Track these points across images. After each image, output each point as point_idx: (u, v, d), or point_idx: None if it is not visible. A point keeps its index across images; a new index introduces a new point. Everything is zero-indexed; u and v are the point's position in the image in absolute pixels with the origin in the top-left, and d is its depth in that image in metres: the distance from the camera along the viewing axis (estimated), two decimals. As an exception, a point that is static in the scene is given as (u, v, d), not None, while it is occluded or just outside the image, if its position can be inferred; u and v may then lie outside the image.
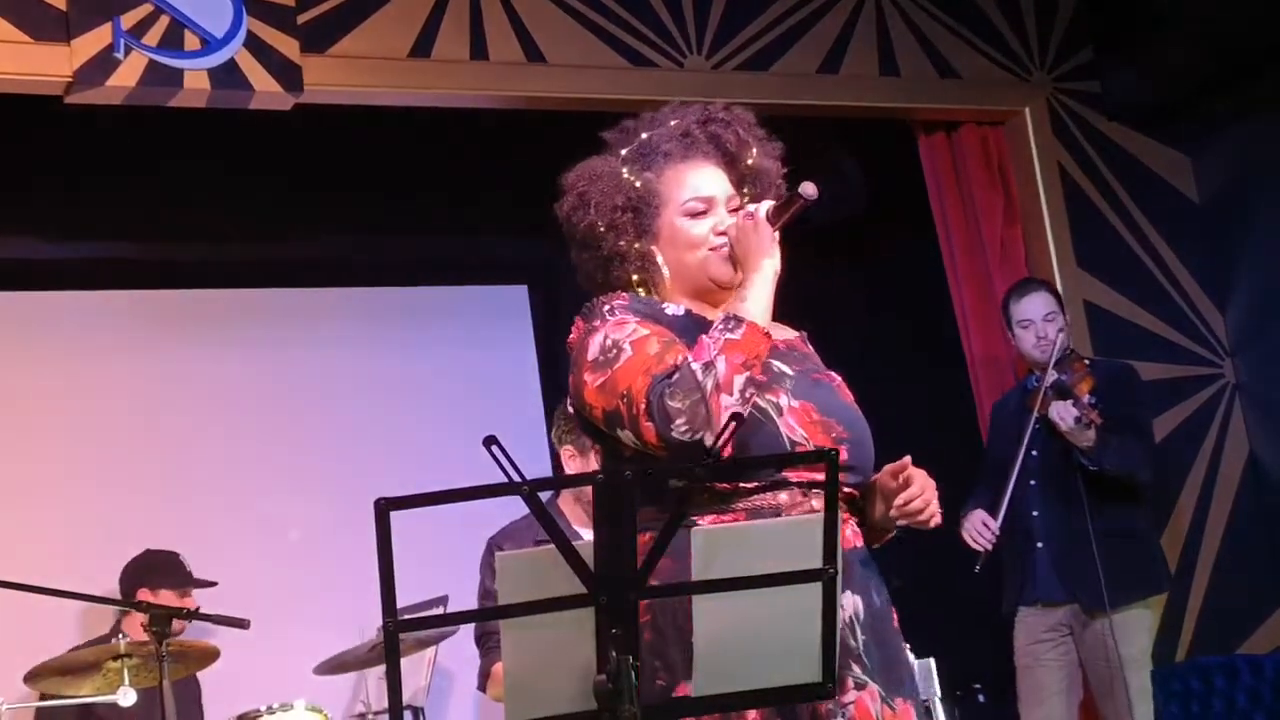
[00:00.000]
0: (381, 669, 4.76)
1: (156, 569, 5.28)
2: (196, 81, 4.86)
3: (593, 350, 2.51)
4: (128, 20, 4.78)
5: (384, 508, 1.98)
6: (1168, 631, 5.52)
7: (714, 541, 2.10)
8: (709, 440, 2.35)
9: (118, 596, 5.16)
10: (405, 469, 5.70)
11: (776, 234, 2.58)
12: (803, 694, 2.13)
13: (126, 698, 4.32)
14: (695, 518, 2.39)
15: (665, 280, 2.64)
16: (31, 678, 4.50)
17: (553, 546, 2.00)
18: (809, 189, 2.52)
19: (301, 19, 5.05)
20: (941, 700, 4.67)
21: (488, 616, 2.09)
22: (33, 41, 4.73)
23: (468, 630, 4.55)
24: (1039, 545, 4.98)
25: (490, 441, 2.35)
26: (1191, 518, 6.13)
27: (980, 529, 4.96)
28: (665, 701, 2.30)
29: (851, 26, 5.96)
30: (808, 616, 2.08)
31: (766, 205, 2.59)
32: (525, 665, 2.03)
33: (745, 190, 2.69)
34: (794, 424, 2.47)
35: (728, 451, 2.35)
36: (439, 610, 4.70)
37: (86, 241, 5.87)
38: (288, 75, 4.98)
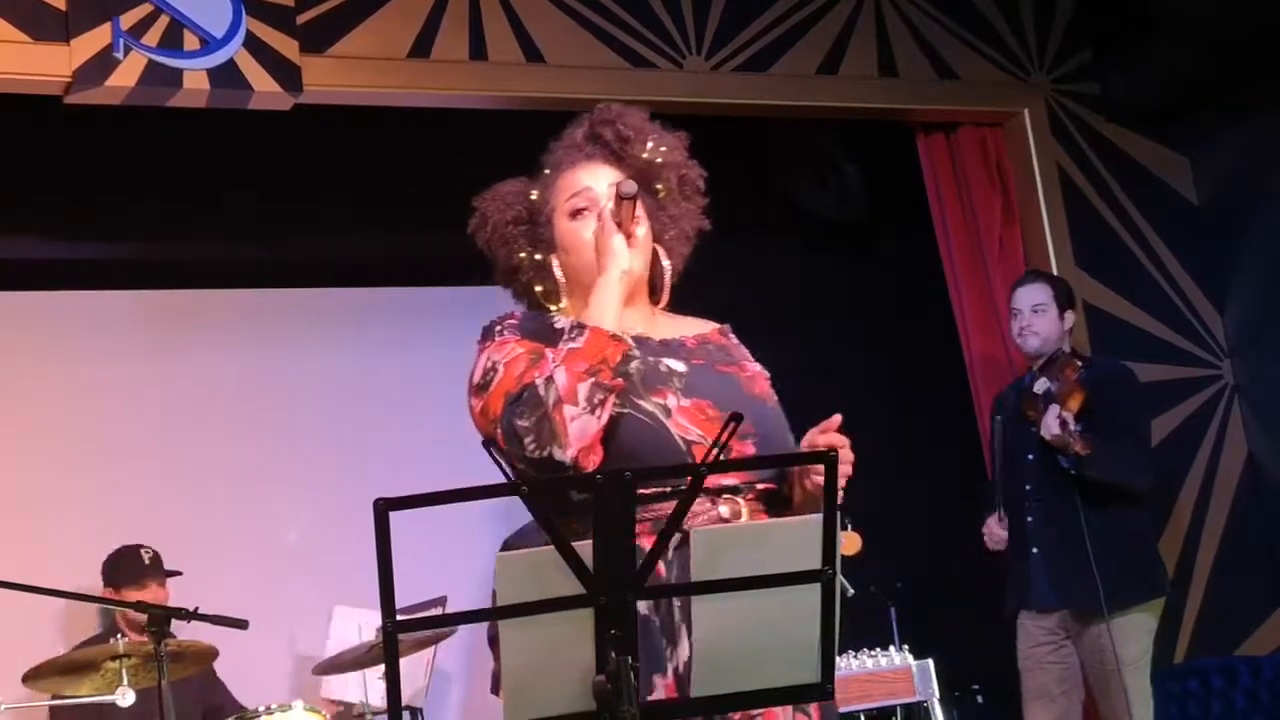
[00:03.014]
0: (380, 669, 4.76)
1: (116, 567, 5.28)
2: (196, 81, 4.86)
3: (476, 374, 2.49)
4: (127, 20, 4.78)
5: (383, 508, 1.97)
6: (1166, 633, 5.52)
7: (714, 542, 2.10)
8: (559, 455, 2.32)
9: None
10: (404, 470, 5.70)
11: (634, 233, 2.49)
12: (802, 695, 2.13)
13: (125, 698, 4.32)
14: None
15: (563, 288, 2.60)
16: (31, 678, 4.50)
17: (551, 547, 2.00)
18: (625, 186, 2.48)
19: (301, 19, 5.06)
20: (940, 701, 4.67)
21: (487, 617, 2.08)
22: (32, 41, 4.73)
23: (466, 631, 4.53)
24: (1033, 551, 4.97)
25: (490, 443, 2.35)
26: (1190, 519, 6.13)
27: (993, 532, 5.06)
28: (665, 702, 2.30)
29: (851, 28, 5.96)
30: (807, 617, 2.08)
31: (610, 206, 2.52)
32: (524, 666, 2.03)
33: (658, 189, 2.63)
34: (686, 423, 2.41)
35: (593, 462, 2.32)
36: (437, 611, 4.70)
37: (85, 241, 5.86)
38: (287, 75, 4.98)
